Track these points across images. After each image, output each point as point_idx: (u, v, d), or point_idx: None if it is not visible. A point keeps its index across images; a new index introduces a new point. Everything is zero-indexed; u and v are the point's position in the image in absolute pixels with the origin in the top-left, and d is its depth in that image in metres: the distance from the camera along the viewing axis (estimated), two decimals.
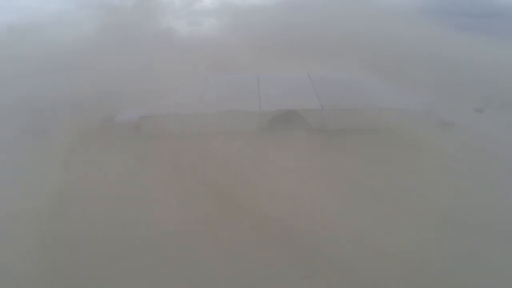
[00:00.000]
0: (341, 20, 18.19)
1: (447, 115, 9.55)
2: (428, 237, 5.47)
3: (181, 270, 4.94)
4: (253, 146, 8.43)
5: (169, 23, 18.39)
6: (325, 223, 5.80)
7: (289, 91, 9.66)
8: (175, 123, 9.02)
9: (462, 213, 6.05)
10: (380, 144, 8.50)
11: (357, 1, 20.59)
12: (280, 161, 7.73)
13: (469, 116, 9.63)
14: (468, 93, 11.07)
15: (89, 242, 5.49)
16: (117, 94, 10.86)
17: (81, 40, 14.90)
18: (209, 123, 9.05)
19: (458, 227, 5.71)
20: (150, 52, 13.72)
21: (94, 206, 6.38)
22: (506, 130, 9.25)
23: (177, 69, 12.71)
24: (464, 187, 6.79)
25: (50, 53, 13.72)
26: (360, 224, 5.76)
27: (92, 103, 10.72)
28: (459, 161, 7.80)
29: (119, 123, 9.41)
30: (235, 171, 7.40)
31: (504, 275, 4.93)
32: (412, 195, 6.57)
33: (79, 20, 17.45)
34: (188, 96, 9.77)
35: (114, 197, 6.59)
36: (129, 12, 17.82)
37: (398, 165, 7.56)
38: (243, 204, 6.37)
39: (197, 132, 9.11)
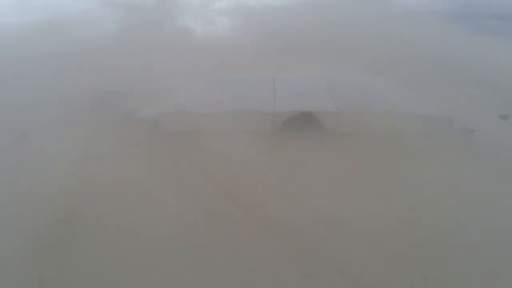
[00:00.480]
0: (356, 22, 17.95)
1: (469, 121, 9.29)
2: (431, 240, 5.44)
3: (182, 268, 5.04)
4: (265, 146, 8.50)
5: (186, 23, 18.84)
6: (328, 223, 5.84)
7: (304, 93, 9.66)
8: (192, 120, 9.24)
9: (472, 218, 5.96)
10: (396, 148, 8.35)
11: (373, 3, 20.22)
12: (291, 162, 7.79)
13: (491, 123, 9.28)
14: (490, 99, 10.70)
15: (93, 234, 5.71)
16: (137, 92, 11.24)
17: (103, 38, 15.49)
18: (225, 122, 9.23)
19: (462, 231, 5.64)
20: (169, 51, 14.06)
21: (105, 197, 6.65)
22: None
23: (194, 68, 12.99)
24: (478, 194, 6.64)
25: (74, 50, 14.33)
26: (363, 226, 5.76)
27: (113, 99, 11.17)
28: (477, 167, 7.56)
29: (139, 119, 9.75)
30: (245, 170, 7.52)
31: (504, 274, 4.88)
32: (417, 198, 6.50)
33: (101, 19, 18.16)
34: (205, 95, 9.95)
35: (125, 191, 6.80)
36: (149, 12, 18.38)
37: (410, 170, 7.45)
38: (251, 203, 6.47)
39: (212, 130, 9.26)
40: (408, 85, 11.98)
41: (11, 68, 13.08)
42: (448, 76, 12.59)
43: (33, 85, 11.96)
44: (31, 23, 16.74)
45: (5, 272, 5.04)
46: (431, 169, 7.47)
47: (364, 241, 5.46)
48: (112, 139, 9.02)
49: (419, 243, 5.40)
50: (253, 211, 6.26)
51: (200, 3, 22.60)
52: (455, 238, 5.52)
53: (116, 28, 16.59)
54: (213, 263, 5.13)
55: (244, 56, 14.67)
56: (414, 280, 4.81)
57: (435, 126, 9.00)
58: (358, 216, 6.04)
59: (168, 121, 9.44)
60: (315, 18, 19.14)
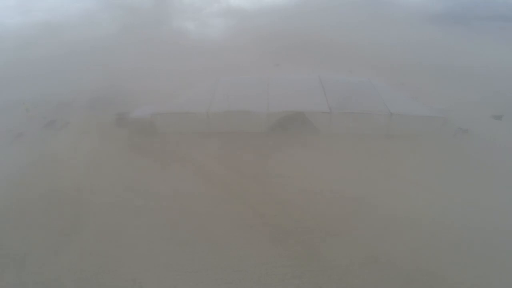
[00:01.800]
0: (354, 25, 18.00)
1: (464, 121, 9.24)
2: (424, 241, 5.41)
3: (172, 263, 5.11)
4: (258, 146, 8.56)
5: (183, 24, 19.03)
6: (320, 225, 5.82)
7: (298, 93, 9.63)
8: (186, 121, 9.29)
9: (465, 217, 5.91)
10: (389, 148, 8.34)
11: (370, 6, 20.24)
12: (284, 162, 7.79)
13: (485, 123, 9.25)
14: (484, 100, 10.64)
15: (91, 230, 5.84)
16: (132, 92, 11.39)
17: (100, 39, 15.69)
18: (219, 122, 9.28)
19: (456, 232, 5.61)
20: (164, 52, 14.21)
21: (104, 194, 6.79)
22: None
23: (190, 69, 13.14)
24: (472, 194, 6.58)
25: (70, 51, 14.54)
26: (353, 227, 5.75)
27: (109, 99, 11.33)
28: (472, 167, 7.53)
29: (133, 119, 9.79)
30: (238, 170, 7.56)
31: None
32: (411, 198, 6.44)
33: (99, 20, 18.36)
34: (199, 96, 9.97)
35: (122, 187, 6.97)
36: (146, 13, 18.57)
37: (403, 170, 7.39)
38: (245, 201, 6.50)
39: (206, 131, 9.36)
40: (403, 85, 12.01)
41: (8, 69, 13.27)
42: (444, 76, 12.55)
43: (30, 85, 12.15)
44: (30, 24, 16.99)
45: None
46: (425, 169, 7.43)
47: (353, 242, 5.46)
48: (106, 139, 9.14)
49: (412, 243, 5.38)
50: (243, 210, 6.29)
51: (198, 5, 22.73)
52: (449, 239, 5.50)
53: (113, 29, 16.77)
54: (205, 259, 5.22)
55: (241, 57, 14.76)
56: (404, 281, 4.78)
57: (430, 126, 8.97)
58: (349, 216, 6.04)
59: (162, 121, 9.50)
60: (313, 20, 19.19)
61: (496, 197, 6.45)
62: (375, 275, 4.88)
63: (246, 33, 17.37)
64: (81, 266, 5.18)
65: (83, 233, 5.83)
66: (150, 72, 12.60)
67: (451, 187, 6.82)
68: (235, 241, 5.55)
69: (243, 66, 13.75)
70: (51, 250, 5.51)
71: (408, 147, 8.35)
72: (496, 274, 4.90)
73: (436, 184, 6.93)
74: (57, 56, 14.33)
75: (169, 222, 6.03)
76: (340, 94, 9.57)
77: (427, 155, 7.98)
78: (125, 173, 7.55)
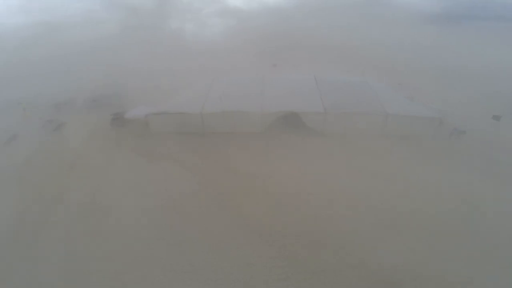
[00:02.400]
0: (352, 25, 17.81)
1: (461, 122, 9.08)
2: (413, 247, 5.31)
3: (162, 263, 5.11)
4: (253, 146, 8.48)
5: (181, 24, 18.98)
6: (312, 227, 5.75)
7: (293, 93, 9.55)
8: (180, 121, 9.26)
9: (460, 217, 5.84)
10: (384, 149, 8.20)
11: (368, 7, 20.01)
12: (278, 163, 7.71)
13: (484, 123, 9.07)
14: (483, 100, 10.45)
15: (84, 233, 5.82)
16: (130, 92, 11.42)
17: (100, 39, 15.74)
18: (213, 123, 9.23)
19: (451, 232, 5.53)
20: (162, 52, 14.19)
21: (97, 194, 6.78)
22: None
23: (188, 68, 13.11)
24: (466, 195, 6.49)
25: (71, 51, 14.59)
26: (349, 231, 5.66)
27: (105, 99, 11.35)
28: (466, 168, 7.40)
29: (128, 119, 9.78)
30: (233, 169, 7.52)
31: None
32: (406, 200, 6.34)
33: (99, 20, 18.42)
34: (195, 96, 9.92)
35: (115, 188, 6.94)
36: (146, 14, 18.58)
37: (398, 171, 7.29)
38: (238, 202, 6.44)
39: (201, 131, 9.34)
40: (402, 85, 11.84)
41: (7, 69, 13.38)
42: (443, 76, 12.36)
43: (29, 86, 12.23)
44: (29, 24, 17.10)
45: None
46: (419, 170, 7.32)
47: (345, 244, 5.37)
48: (101, 140, 9.13)
49: (406, 245, 5.29)
50: (236, 211, 6.23)
51: (197, 6, 22.68)
52: (445, 240, 5.43)
53: (112, 29, 16.81)
54: (196, 259, 5.19)
55: (239, 57, 14.70)
56: (397, 282, 4.72)
57: (426, 126, 8.83)
58: (342, 218, 5.96)
59: (156, 121, 9.48)
60: (312, 21, 19.03)
61: (491, 197, 6.33)
62: (365, 277, 4.79)
63: (245, 34, 17.32)
64: (73, 266, 5.17)
65: (76, 233, 5.82)
66: (149, 72, 12.61)
67: (446, 187, 6.68)
68: (227, 241, 5.50)
69: (241, 66, 13.70)
70: (44, 249, 5.50)
71: (403, 148, 8.24)
72: (492, 274, 4.83)
73: (431, 184, 6.79)
74: (57, 56, 14.43)
75: (160, 222, 5.98)
76: (336, 94, 9.46)
77: (421, 155, 7.86)
78: (118, 173, 7.52)
